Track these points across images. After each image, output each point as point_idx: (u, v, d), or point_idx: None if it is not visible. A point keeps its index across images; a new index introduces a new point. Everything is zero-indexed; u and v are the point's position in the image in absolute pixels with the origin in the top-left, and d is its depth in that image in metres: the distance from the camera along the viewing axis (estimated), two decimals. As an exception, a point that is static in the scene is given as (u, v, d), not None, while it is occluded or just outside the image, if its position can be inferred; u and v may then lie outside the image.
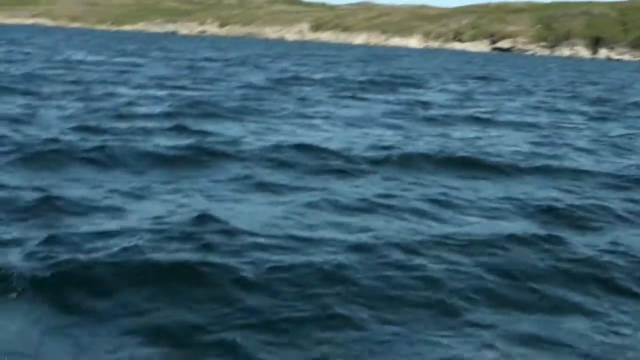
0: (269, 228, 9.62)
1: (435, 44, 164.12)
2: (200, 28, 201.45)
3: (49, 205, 9.91)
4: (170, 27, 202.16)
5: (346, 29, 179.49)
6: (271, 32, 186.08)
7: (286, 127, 19.63)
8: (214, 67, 46.43)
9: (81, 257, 7.81)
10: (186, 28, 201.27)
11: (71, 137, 15.53)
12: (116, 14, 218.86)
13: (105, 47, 69.60)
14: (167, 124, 18.31)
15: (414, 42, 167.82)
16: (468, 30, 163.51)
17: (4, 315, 6.58)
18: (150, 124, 18.25)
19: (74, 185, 11.49)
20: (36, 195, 10.37)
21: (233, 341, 6.28)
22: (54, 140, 14.65)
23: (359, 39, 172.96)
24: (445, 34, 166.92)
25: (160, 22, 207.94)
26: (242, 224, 9.60)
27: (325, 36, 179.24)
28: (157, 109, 21.61)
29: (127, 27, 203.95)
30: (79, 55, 50.10)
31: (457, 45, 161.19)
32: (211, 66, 46.63)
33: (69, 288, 7.19)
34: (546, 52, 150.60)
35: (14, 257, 7.73)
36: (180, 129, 17.52)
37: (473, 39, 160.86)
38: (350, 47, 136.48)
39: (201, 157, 14.17)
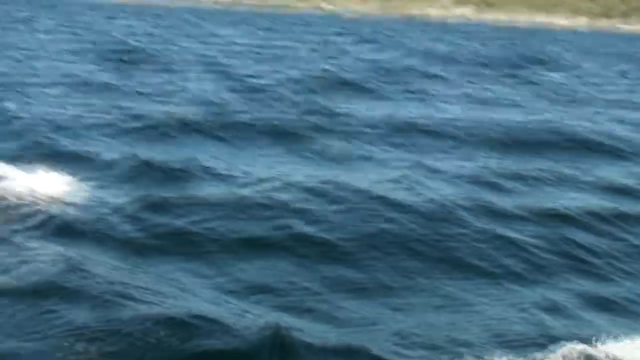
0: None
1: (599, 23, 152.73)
2: (357, 7, 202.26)
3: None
4: (327, 7, 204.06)
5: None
6: (434, 12, 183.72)
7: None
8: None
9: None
10: (342, 6, 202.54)
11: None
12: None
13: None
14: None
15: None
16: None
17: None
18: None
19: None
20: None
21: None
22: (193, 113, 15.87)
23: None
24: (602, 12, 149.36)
25: (320, 2, 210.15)
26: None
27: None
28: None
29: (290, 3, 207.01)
30: (229, 33, 51.90)
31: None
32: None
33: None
34: None
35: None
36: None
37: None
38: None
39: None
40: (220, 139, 13.96)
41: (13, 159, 10.80)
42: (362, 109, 18.77)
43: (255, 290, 7.19)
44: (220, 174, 11.21)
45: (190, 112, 16.00)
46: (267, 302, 6.92)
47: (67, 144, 12.64)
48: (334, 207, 9.84)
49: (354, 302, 7.10)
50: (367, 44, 51.52)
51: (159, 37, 43.14)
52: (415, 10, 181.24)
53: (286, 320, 6.34)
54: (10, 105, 15.67)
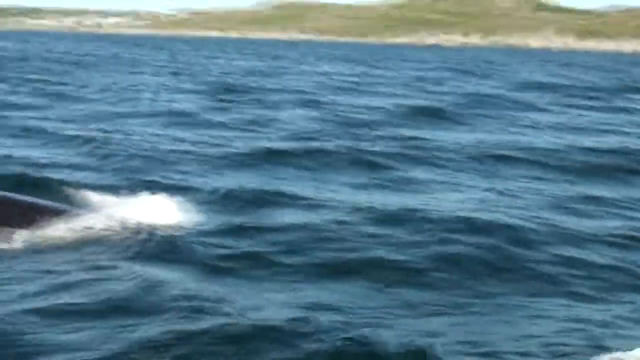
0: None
1: None
2: (463, 39, 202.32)
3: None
4: (432, 40, 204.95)
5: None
6: (534, 42, 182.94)
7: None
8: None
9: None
10: (448, 40, 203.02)
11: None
12: (377, 27, 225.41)
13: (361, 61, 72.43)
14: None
15: None
16: None
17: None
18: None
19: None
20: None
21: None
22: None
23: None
24: None
25: (423, 35, 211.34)
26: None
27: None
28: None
29: (388, 40, 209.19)
30: (326, 68, 53.04)
31: None
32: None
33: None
34: None
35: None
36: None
37: None
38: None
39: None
40: (306, 168, 14.46)
41: (111, 187, 11.45)
42: (451, 137, 19.00)
43: (329, 309, 7.30)
44: (303, 200, 11.61)
45: (279, 143, 16.66)
46: (339, 319, 6.99)
47: (161, 173, 13.31)
48: (412, 232, 10.04)
49: (427, 319, 7.25)
50: (463, 74, 51.67)
51: (258, 71, 44.52)
52: (516, 41, 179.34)
53: (359, 335, 6.43)
54: (113, 137, 16.69)
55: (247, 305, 7.28)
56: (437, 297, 7.79)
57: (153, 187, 11.25)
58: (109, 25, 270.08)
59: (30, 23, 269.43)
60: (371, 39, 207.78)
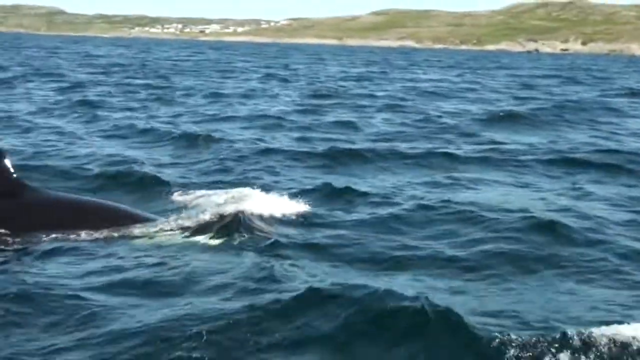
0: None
1: None
2: (563, 46, 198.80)
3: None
4: (531, 46, 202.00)
5: None
6: (637, 48, 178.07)
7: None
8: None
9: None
10: (548, 46, 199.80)
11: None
12: (479, 34, 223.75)
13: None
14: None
15: None
16: None
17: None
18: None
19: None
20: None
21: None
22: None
23: None
24: None
25: (522, 41, 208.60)
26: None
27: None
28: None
29: (490, 47, 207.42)
30: (419, 74, 53.51)
31: None
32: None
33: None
34: None
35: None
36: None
37: None
38: None
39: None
40: (382, 167, 15.31)
41: (204, 184, 12.47)
42: (533, 141, 19.37)
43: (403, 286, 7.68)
44: (376, 196, 12.30)
45: (361, 144, 17.54)
46: (413, 293, 7.22)
47: (254, 171, 14.26)
48: (478, 228, 10.49)
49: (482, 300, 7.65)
50: (558, 79, 51.30)
51: (354, 77, 45.61)
52: (618, 47, 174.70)
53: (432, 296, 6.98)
54: (220, 136, 18.15)
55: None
56: (503, 291, 7.94)
57: (247, 184, 12.05)
58: (227, 33, 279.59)
59: (152, 32, 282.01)
60: (474, 46, 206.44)
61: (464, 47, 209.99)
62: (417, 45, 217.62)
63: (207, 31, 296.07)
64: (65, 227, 8.98)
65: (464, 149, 17.65)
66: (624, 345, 5.98)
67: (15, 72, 40.15)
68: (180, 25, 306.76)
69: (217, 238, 9.23)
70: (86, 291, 7.17)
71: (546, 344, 5.99)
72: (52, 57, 64.18)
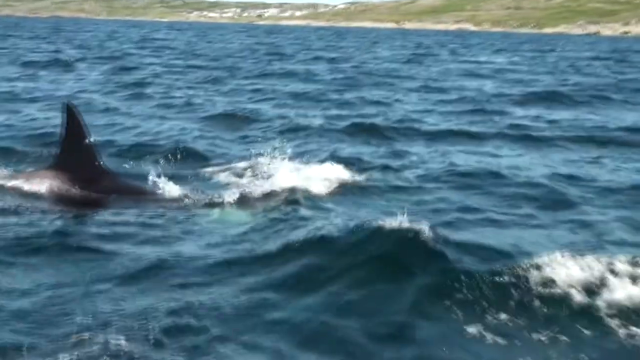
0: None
1: None
2: (624, 29, 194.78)
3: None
4: (591, 29, 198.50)
5: None
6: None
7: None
8: None
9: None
10: (609, 29, 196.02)
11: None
12: (538, 17, 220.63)
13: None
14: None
15: None
16: None
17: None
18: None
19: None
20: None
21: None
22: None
23: None
24: None
25: (582, 24, 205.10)
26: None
27: None
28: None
29: (548, 30, 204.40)
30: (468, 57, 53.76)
31: None
32: None
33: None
34: None
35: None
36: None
37: None
38: None
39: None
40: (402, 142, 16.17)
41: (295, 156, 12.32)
42: (562, 118, 20.06)
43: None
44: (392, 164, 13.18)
45: (384, 122, 18.45)
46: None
47: (308, 143, 15.29)
48: (507, 188, 11.46)
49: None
50: (608, 61, 51.10)
51: (396, 59, 46.28)
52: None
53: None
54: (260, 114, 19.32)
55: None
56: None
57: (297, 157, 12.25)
58: (285, 17, 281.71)
59: (210, 16, 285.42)
60: (532, 29, 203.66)
61: (522, 30, 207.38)
62: (475, 29, 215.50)
63: (265, 15, 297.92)
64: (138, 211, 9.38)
65: (493, 126, 18.39)
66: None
67: (69, 55, 41.03)
68: (238, 10, 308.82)
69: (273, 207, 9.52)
70: (179, 268, 7.35)
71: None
72: (108, 40, 65.67)
